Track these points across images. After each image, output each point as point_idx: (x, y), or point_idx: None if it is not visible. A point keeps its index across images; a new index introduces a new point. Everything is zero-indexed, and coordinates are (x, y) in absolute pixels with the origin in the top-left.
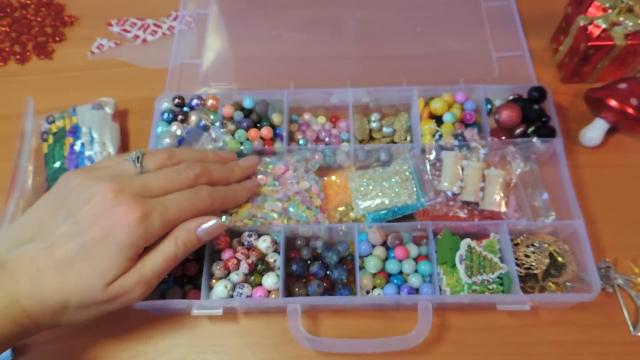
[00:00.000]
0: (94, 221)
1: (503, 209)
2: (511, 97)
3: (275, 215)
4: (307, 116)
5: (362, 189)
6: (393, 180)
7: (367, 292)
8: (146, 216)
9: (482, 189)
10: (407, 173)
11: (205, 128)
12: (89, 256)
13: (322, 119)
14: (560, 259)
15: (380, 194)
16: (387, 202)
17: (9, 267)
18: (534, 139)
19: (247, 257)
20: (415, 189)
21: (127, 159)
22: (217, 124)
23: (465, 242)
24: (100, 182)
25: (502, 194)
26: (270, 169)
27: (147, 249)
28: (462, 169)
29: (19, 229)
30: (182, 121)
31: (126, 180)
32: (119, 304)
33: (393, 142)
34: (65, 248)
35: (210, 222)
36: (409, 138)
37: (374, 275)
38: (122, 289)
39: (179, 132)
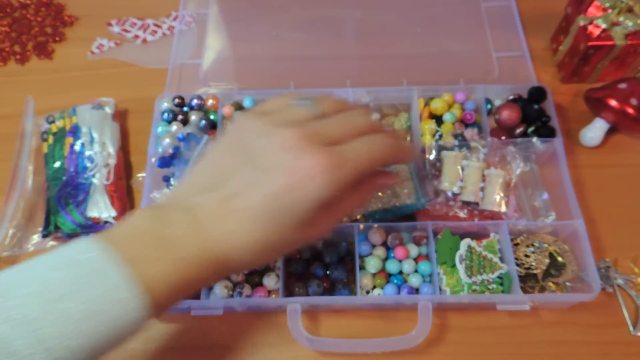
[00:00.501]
0: (282, 171)
1: (503, 209)
2: (511, 97)
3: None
4: None
5: None
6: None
7: (367, 292)
8: (335, 166)
9: (482, 189)
10: (407, 173)
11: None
12: (282, 209)
13: None
14: (560, 259)
15: (380, 193)
16: (387, 202)
17: (200, 212)
18: (534, 139)
19: None
20: (415, 189)
21: (299, 103)
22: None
23: (465, 242)
24: (282, 128)
25: (502, 194)
26: None
27: None
28: (462, 169)
29: (199, 176)
30: (182, 121)
31: (306, 126)
32: (310, 240)
33: None
34: (257, 196)
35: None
36: (409, 138)
37: (374, 275)
38: (314, 233)
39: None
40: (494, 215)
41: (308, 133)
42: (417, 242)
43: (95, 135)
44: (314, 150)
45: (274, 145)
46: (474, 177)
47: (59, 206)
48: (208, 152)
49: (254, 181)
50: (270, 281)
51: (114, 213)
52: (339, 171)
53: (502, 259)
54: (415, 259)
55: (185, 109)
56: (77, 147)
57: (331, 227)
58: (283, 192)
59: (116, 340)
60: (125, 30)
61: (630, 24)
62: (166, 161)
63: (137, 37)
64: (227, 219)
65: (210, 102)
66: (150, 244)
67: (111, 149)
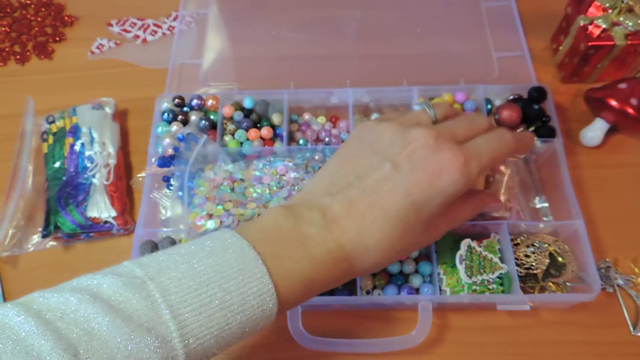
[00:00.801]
0: (417, 168)
1: (507, 214)
2: (511, 97)
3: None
4: (307, 116)
5: None
6: None
7: (367, 292)
8: (467, 162)
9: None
10: None
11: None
12: (414, 205)
13: (322, 119)
14: (560, 259)
15: None
16: None
17: (332, 212)
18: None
19: None
20: None
21: (418, 109)
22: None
23: (465, 242)
24: (416, 129)
25: (506, 196)
26: (273, 172)
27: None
28: None
29: (328, 177)
30: (182, 121)
31: (436, 127)
32: (430, 241)
33: None
34: (389, 195)
35: (497, 207)
36: None
37: (374, 275)
38: (436, 233)
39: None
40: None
41: (440, 131)
42: None
43: (95, 135)
44: (448, 146)
45: (407, 144)
46: (480, 181)
47: (59, 206)
48: (336, 153)
49: (388, 179)
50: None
51: (114, 213)
52: (470, 166)
53: (502, 259)
54: (416, 259)
55: (185, 109)
56: (77, 147)
57: (445, 232)
58: (418, 188)
59: (244, 333)
60: (125, 30)
61: (630, 24)
62: (166, 161)
63: (137, 37)
64: (358, 218)
65: (210, 102)
66: (284, 241)
67: (111, 149)
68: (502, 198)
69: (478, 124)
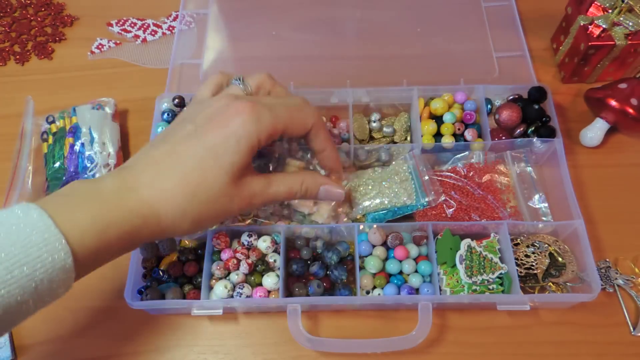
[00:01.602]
0: (210, 119)
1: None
2: (511, 97)
3: (276, 217)
4: None
5: (361, 189)
6: (392, 180)
7: (367, 292)
8: (256, 107)
9: (316, 203)
10: (407, 173)
11: None
12: (210, 151)
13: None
14: (560, 259)
15: (379, 194)
16: (386, 202)
17: (130, 168)
18: (534, 139)
19: (247, 257)
20: (414, 189)
21: (233, 82)
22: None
23: (465, 242)
24: (216, 100)
25: (330, 210)
26: None
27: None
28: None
29: (143, 148)
30: None
31: (240, 95)
32: (243, 206)
33: (393, 142)
34: (186, 145)
35: (336, 189)
36: (409, 138)
37: (374, 275)
38: (248, 192)
39: None
40: (494, 216)
41: (236, 96)
42: (417, 242)
43: (95, 135)
44: (241, 100)
45: (209, 106)
46: None
47: None
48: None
49: (187, 134)
50: (270, 281)
51: None
52: (261, 111)
53: (502, 259)
54: (415, 259)
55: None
56: (77, 147)
57: (259, 203)
58: (212, 135)
59: (37, 287)
60: (125, 30)
61: (630, 24)
62: None
63: (137, 37)
64: (154, 166)
65: None
66: (78, 196)
67: (111, 149)
68: (326, 212)
69: (289, 108)
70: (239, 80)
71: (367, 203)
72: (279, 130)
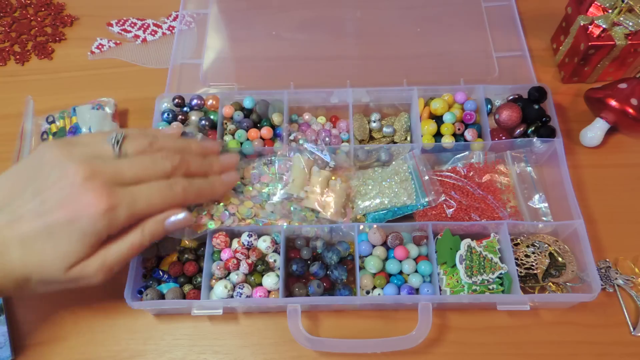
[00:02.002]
0: (61, 204)
1: (341, 220)
2: (511, 97)
3: (277, 215)
4: (307, 116)
5: (362, 189)
6: (392, 180)
7: (367, 292)
8: (113, 208)
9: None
10: (407, 173)
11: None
12: (52, 237)
13: (322, 119)
14: (560, 259)
15: (380, 194)
16: (386, 202)
17: None
18: (534, 139)
19: (247, 257)
20: (414, 189)
21: (108, 140)
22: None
23: (465, 242)
24: (73, 163)
25: (342, 205)
26: (272, 170)
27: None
28: (310, 175)
29: None
30: (182, 121)
31: (100, 165)
32: (79, 285)
33: (393, 142)
34: (30, 224)
35: (180, 216)
36: (409, 138)
37: (374, 275)
38: (82, 274)
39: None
40: (494, 216)
41: (94, 172)
42: (417, 242)
43: None
44: (92, 189)
45: (61, 178)
46: (320, 185)
47: None
48: (5, 171)
49: (36, 210)
50: (270, 281)
51: None
52: (116, 211)
53: (502, 259)
54: (415, 259)
55: (185, 109)
56: None
57: (106, 277)
58: (57, 225)
59: None
60: (125, 30)
61: (630, 23)
62: None
63: (137, 37)
64: (6, 241)
65: (210, 102)
66: None
67: None
68: (338, 206)
69: (156, 169)
70: (116, 143)
71: (367, 203)
72: (135, 219)
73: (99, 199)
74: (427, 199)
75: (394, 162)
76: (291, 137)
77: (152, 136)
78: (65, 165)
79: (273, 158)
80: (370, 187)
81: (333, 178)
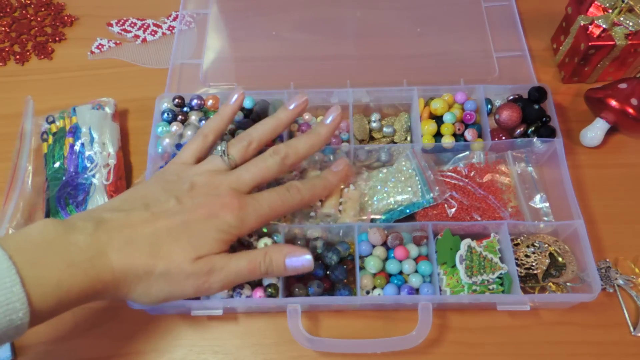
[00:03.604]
0: (198, 205)
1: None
2: (511, 97)
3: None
4: (307, 116)
5: (370, 191)
6: (397, 179)
7: (367, 292)
8: (243, 208)
9: (341, 203)
10: (410, 170)
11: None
12: (187, 231)
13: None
14: (560, 259)
15: (387, 194)
16: (393, 201)
17: (108, 223)
18: (534, 139)
19: None
20: (419, 186)
21: (215, 154)
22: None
23: (465, 242)
24: (199, 176)
25: (356, 211)
26: None
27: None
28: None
29: (122, 199)
30: (182, 121)
31: (221, 176)
32: (198, 284)
33: (393, 142)
34: (167, 221)
35: (302, 257)
36: (409, 138)
37: (374, 275)
38: (207, 267)
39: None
40: (495, 216)
41: (221, 181)
42: (417, 242)
43: (95, 135)
44: (228, 193)
45: (193, 188)
46: (335, 192)
47: (59, 206)
48: (133, 186)
49: (170, 209)
50: (270, 281)
51: None
52: (247, 212)
53: (502, 259)
54: (416, 259)
55: (185, 109)
56: (77, 147)
57: (219, 280)
58: (195, 220)
59: None
60: (125, 30)
61: (630, 23)
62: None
63: (137, 37)
64: (129, 231)
65: (210, 102)
66: (47, 248)
67: (111, 149)
68: (352, 212)
69: (269, 167)
70: (223, 153)
71: (376, 204)
72: (262, 222)
73: (232, 201)
74: (432, 195)
75: (396, 161)
76: None
77: (247, 134)
78: (194, 179)
79: None
80: (377, 189)
81: (342, 186)
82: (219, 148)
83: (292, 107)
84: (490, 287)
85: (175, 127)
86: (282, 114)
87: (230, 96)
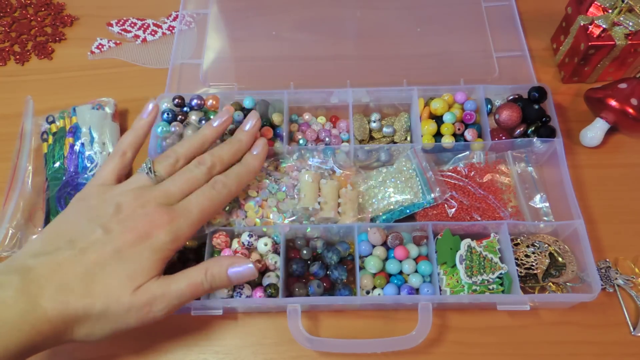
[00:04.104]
0: (127, 229)
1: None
2: (511, 97)
3: (286, 214)
4: (307, 116)
5: (370, 191)
6: (398, 179)
7: (367, 292)
8: (172, 220)
9: (340, 205)
10: (411, 171)
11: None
12: (120, 260)
13: (322, 119)
14: (560, 259)
15: (387, 194)
16: (394, 201)
17: (34, 272)
18: (534, 139)
19: (248, 257)
20: (420, 187)
21: (140, 172)
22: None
23: (465, 242)
24: (124, 196)
25: (357, 209)
26: (282, 168)
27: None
28: (320, 188)
29: (43, 239)
30: (182, 121)
31: (147, 192)
32: (141, 316)
33: (393, 142)
34: (96, 254)
35: (243, 266)
36: (409, 138)
37: (374, 275)
38: (146, 296)
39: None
40: (495, 216)
41: (147, 198)
42: (417, 242)
43: (95, 135)
44: (155, 210)
45: (119, 212)
46: (332, 194)
47: (59, 206)
48: (52, 221)
49: (98, 241)
50: (270, 281)
51: None
52: (178, 224)
53: (502, 259)
54: (415, 259)
55: (185, 109)
56: (77, 147)
57: (161, 308)
58: (127, 246)
59: None
60: (125, 30)
61: (630, 23)
62: None
63: (137, 37)
64: (61, 275)
65: (210, 102)
66: None
67: (111, 149)
68: (352, 213)
69: (196, 177)
70: (149, 170)
71: (376, 205)
72: (195, 228)
73: (161, 217)
74: (432, 195)
75: (397, 161)
76: (295, 157)
77: (173, 151)
78: (117, 199)
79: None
80: (377, 189)
81: (342, 184)
82: (144, 165)
83: (215, 124)
84: (490, 287)
85: (175, 127)
86: (207, 130)
87: (144, 109)
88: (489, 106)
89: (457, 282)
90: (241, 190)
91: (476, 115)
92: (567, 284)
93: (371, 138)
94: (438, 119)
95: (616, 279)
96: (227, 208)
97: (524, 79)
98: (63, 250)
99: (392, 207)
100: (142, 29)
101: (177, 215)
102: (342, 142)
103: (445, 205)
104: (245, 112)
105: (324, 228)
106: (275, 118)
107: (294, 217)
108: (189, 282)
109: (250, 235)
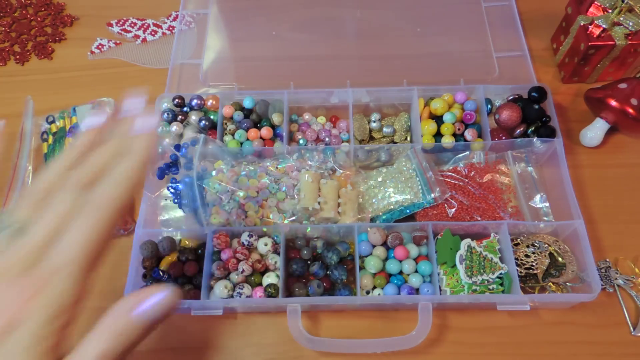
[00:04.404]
0: None
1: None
2: (511, 97)
3: (286, 214)
4: (307, 116)
5: (370, 191)
6: (398, 180)
7: (367, 292)
8: (45, 287)
9: (340, 205)
10: (411, 171)
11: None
12: None
13: (322, 119)
14: (560, 259)
15: (387, 194)
16: (394, 201)
17: None
18: (534, 139)
19: (248, 257)
20: (420, 187)
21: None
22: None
23: (465, 242)
24: None
25: (357, 209)
26: (280, 169)
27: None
28: (320, 188)
29: None
30: (182, 121)
31: (2, 259)
32: None
33: (393, 142)
34: None
35: (152, 300)
36: (409, 138)
37: (374, 275)
38: None
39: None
40: (495, 216)
41: (8, 265)
42: (417, 242)
43: None
44: (9, 284)
45: None
46: (332, 194)
47: None
48: None
49: None
50: (270, 281)
51: None
52: (48, 291)
53: (502, 259)
54: (415, 259)
55: (185, 109)
56: None
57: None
58: None
59: None
60: (125, 30)
61: (630, 23)
62: (164, 171)
63: (137, 37)
64: None
65: (210, 102)
66: None
67: None
68: (352, 212)
69: (63, 211)
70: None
71: (376, 205)
72: (79, 281)
73: (21, 292)
74: (432, 195)
75: (397, 161)
76: (294, 157)
77: (25, 196)
78: None
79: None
80: (377, 189)
81: (342, 184)
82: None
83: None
84: (490, 287)
85: (175, 127)
86: (80, 144)
87: None
88: (489, 106)
89: (457, 282)
90: (141, 184)
91: (476, 115)
92: (567, 284)
93: (371, 138)
94: (438, 119)
95: (616, 279)
96: (227, 208)
97: (524, 79)
98: None
99: (392, 207)
100: (142, 29)
101: (50, 275)
102: (342, 142)
103: (445, 205)
104: (245, 112)
105: (324, 228)
106: (275, 118)
107: (294, 217)
108: (97, 355)
109: (250, 235)
